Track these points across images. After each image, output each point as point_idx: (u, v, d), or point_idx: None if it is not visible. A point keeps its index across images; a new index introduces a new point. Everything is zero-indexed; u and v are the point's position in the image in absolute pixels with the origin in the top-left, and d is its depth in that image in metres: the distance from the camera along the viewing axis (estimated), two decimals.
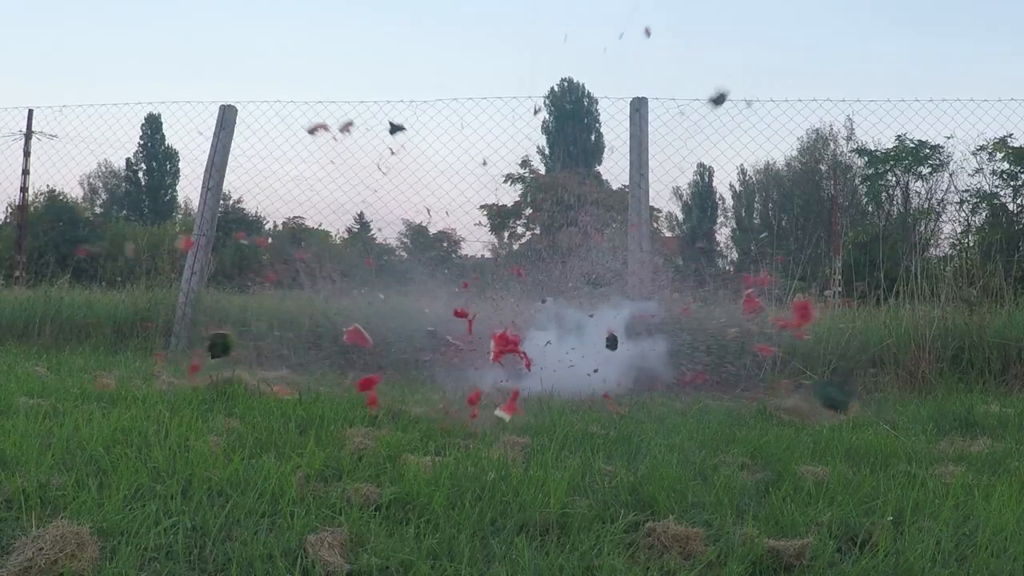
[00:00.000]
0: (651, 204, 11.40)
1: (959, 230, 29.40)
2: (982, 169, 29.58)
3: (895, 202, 36.95)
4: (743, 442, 5.64)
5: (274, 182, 12.97)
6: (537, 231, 48.63)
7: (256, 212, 41.17)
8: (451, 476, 4.21)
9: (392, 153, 10.63)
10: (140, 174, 59.44)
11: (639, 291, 10.42)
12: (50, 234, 29.71)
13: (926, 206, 33.54)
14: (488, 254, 46.01)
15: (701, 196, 55.84)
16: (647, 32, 9.15)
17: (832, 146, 51.52)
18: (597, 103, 54.97)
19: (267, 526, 3.49)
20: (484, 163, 13.11)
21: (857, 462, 5.11)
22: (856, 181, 42.49)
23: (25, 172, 20.20)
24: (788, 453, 5.26)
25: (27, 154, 19.85)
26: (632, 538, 3.53)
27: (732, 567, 3.21)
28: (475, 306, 10.50)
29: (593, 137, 55.67)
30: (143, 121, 56.54)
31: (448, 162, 13.11)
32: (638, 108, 11.06)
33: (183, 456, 4.42)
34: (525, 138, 18.42)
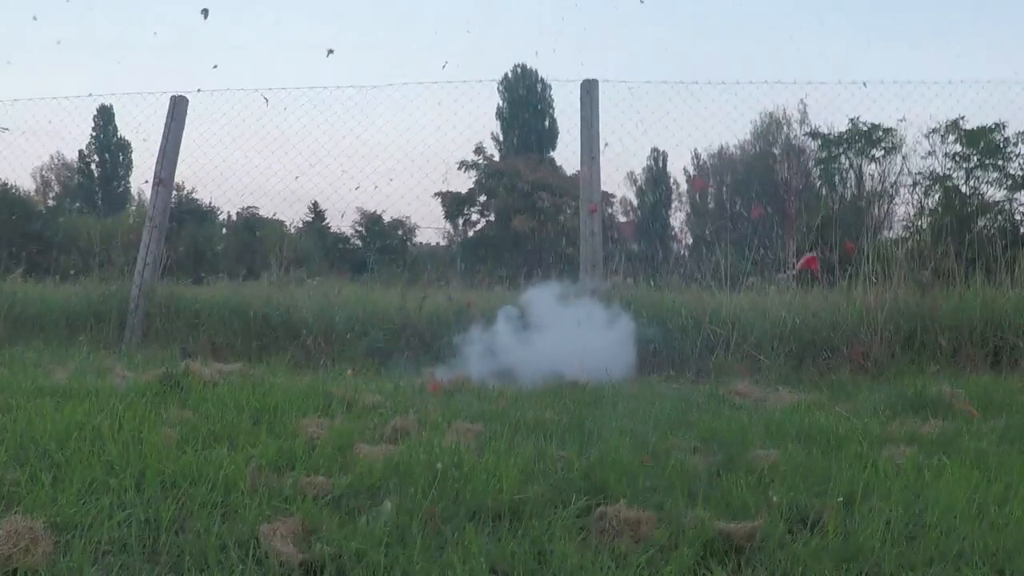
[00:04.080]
0: (605, 189, 11.40)
1: (912, 212, 29.59)
2: (934, 151, 29.79)
3: (848, 185, 37.16)
4: (696, 425, 5.68)
5: (225, 171, 12.84)
6: (492, 218, 48.63)
7: (210, 202, 40.98)
8: (403, 465, 4.24)
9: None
10: (93, 166, 58.96)
11: (591, 275, 10.43)
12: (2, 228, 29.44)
13: (879, 188, 33.73)
14: (443, 242, 46.11)
15: (655, 181, 55.84)
16: None
17: (785, 129, 51.72)
18: (550, 88, 54.94)
19: (220, 517, 3.50)
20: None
21: (809, 444, 5.14)
22: (809, 164, 42.69)
23: None
24: (740, 436, 5.30)
25: None
26: (584, 522, 3.56)
27: (683, 550, 3.25)
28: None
29: (547, 123, 55.62)
30: (95, 113, 56.12)
31: (398, 146, 13.05)
32: (588, 90, 11.04)
33: (136, 449, 4.42)
34: (475, 120, 18.35)
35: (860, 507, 3.78)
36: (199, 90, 12.38)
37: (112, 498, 3.64)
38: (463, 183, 48.44)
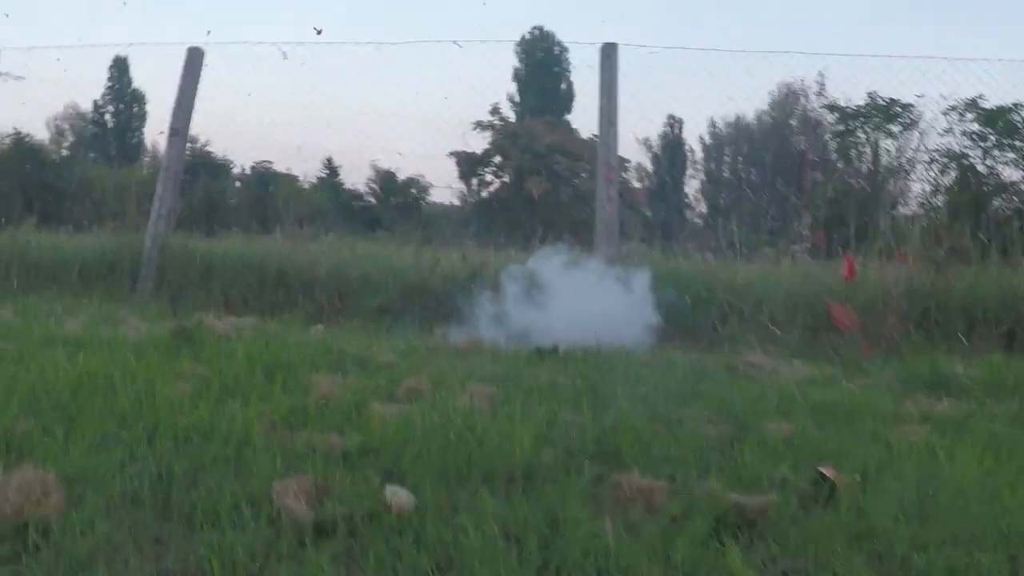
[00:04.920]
0: (620, 154, 11.34)
1: (928, 190, 29.41)
2: (952, 129, 29.52)
3: (864, 159, 36.90)
4: (708, 395, 5.66)
5: (241, 124, 12.85)
6: (507, 179, 48.45)
7: (224, 156, 40.91)
8: (417, 425, 4.22)
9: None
10: (107, 116, 58.76)
11: (607, 241, 10.39)
12: (16, 176, 29.38)
13: (895, 164, 33.50)
14: (456, 201, 46.01)
15: (671, 148, 55.58)
16: None
17: (803, 101, 51.37)
18: (568, 51, 54.50)
19: (233, 473, 3.49)
20: None
21: (822, 419, 5.11)
22: (826, 137, 42.40)
23: None
24: (753, 408, 5.28)
25: None
26: (597, 490, 3.55)
27: (696, 521, 3.22)
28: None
29: (564, 86, 55.27)
30: (110, 63, 55.83)
31: (415, 105, 13.03)
32: (608, 54, 10.94)
33: (149, 402, 4.41)
34: (493, 81, 18.41)
35: (873, 484, 3.76)
36: (216, 42, 12.36)
37: (124, 451, 3.64)
38: (478, 144, 48.26)
